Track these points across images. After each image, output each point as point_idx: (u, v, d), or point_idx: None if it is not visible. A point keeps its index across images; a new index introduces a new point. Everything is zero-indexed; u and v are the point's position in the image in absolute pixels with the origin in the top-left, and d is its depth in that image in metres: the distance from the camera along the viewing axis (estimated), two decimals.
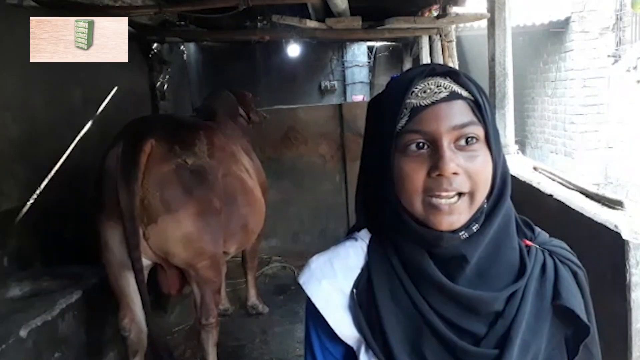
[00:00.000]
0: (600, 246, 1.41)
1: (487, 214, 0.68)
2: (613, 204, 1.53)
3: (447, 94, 0.66)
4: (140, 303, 2.29)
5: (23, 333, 1.96)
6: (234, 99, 3.38)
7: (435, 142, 0.64)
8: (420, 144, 0.65)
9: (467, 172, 0.64)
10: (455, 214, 0.64)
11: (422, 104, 0.66)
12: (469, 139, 0.65)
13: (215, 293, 2.45)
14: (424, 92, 0.66)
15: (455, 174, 0.63)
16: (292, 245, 4.84)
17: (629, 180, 6.34)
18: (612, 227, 1.33)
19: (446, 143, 0.64)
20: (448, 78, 0.67)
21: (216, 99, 3.32)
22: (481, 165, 0.66)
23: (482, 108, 0.67)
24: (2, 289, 2.42)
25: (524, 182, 2.05)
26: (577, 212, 1.55)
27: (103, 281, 2.38)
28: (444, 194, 0.64)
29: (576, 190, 1.77)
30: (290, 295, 3.80)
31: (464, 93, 0.67)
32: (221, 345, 2.84)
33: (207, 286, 2.38)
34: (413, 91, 0.67)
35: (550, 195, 1.78)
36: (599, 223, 1.41)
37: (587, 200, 1.64)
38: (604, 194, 1.62)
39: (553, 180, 1.99)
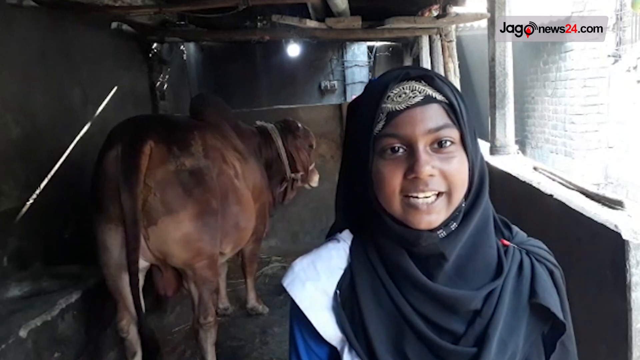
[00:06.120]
0: (600, 246, 1.41)
1: (465, 213, 0.70)
2: (613, 204, 1.53)
3: (421, 98, 0.67)
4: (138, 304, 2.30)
5: (23, 333, 1.96)
6: (222, 100, 3.33)
7: (411, 145, 0.66)
8: (397, 148, 0.67)
9: (443, 174, 0.66)
10: (433, 213, 0.66)
11: (398, 109, 0.67)
12: (444, 142, 0.67)
13: (212, 292, 2.47)
14: (399, 96, 0.68)
15: (431, 175, 0.65)
16: (292, 245, 4.84)
17: (629, 180, 6.34)
18: (612, 227, 1.33)
19: (422, 146, 0.66)
20: (422, 82, 0.69)
21: (205, 98, 3.28)
22: (457, 166, 0.67)
23: (457, 111, 0.68)
24: (2, 288, 2.42)
25: (524, 182, 2.05)
26: (577, 212, 1.55)
27: (103, 281, 2.38)
28: (420, 194, 0.65)
29: (576, 190, 1.77)
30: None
31: (439, 96, 0.68)
32: (221, 345, 2.84)
33: (204, 286, 2.39)
34: (389, 96, 0.68)
35: (551, 195, 1.78)
36: (599, 223, 1.41)
37: (587, 200, 1.64)
38: (604, 194, 1.62)
39: (553, 180, 1.99)
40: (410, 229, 0.67)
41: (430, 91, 0.68)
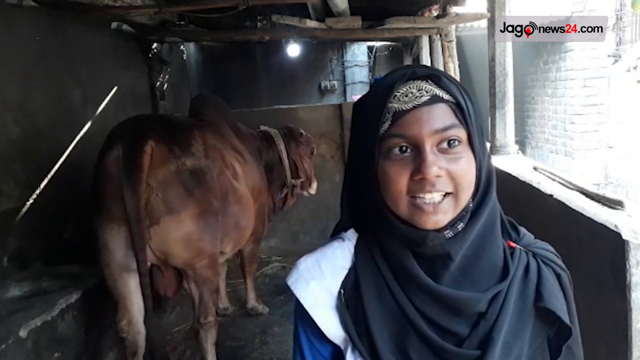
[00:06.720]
0: (600, 246, 1.41)
1: (472, 213, 0.69)
2: (613, 204, 1.53)
3: (428, 97, 0.66)
4: (138, 304, 2.30)
5: (23, 333, 1.96)
6: (222, 100, 3.33)
7: (418, 146, 0.65)
8: (403, 148, 0.66)
9: (450, 174, 0.65)
10: (440, 213, 0.65)
11: (404, 109, 0.66)
12: (451, 142, 0.66)
13: (212, 292, 2.47)
14: (406, 96, 0.67)
15: (438, 176, 0.64)
16: (292, 245, 4.84)
17: (629, 180, 6.34)
18: (612, 227, 1.33)
19: (428, 146, 0.65)
20: (429, 81, 0.68)
21: (205, 98, 3.29)
22: (464, 167, 0.66)
23: (464, 110, 0.67)
24: (2, 288, 2.42)
25: (524, 182, 2.05)
26: (577, 212, 1.55)
27: (103, 281, 2.38)
28: (427, 195, 0.65)
29: (576, 190, 1.77)
30: (290, 295, 3.68)
31: (446, 96, 0.67)
32: (221, 345, 2.84)
33: (205, 285, 2.39)
34: (395, 95, 0.67)
35: (551, 195, 1.78)
36: (599, 223, 1.41)
37: (587, 200, 1.64)
38: (604, 194, 1.62)
39: (553, 180, 1.99)
40: (417, 229, 0.66)
41: (437, 90, 0.67)
